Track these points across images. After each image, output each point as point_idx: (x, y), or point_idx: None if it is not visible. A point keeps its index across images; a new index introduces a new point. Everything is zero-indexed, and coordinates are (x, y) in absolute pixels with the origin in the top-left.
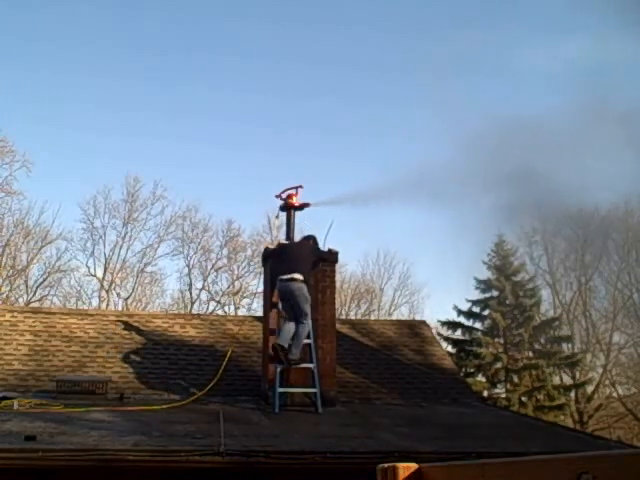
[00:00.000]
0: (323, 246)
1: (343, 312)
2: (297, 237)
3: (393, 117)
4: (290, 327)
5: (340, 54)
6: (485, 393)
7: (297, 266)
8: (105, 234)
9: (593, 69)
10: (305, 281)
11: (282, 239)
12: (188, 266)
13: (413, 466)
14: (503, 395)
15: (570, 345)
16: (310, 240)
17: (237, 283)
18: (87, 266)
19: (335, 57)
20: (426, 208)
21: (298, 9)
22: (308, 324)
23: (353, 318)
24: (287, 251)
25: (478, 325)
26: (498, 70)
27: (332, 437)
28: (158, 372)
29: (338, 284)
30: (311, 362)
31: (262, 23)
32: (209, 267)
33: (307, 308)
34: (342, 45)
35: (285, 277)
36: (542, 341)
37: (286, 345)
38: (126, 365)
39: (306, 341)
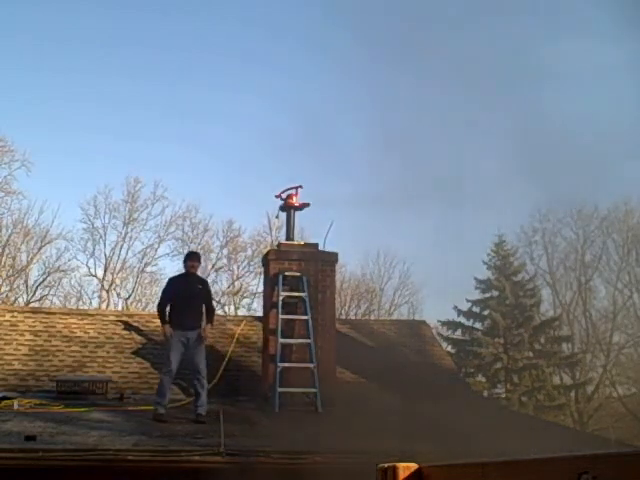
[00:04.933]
0: (323, 247)
1: (343, 312)
2: (297, 237)
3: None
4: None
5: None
6: (485, 393)
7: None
8: (105, 234)
9: None
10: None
11: (282, 239)
12: None
13: (413, 466)
14: (503, 395)
15: (570, 345)
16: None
17: (237, 283)
18: (87, 266)
19: (336, 58)
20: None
21: (300, 11)
22: (169, 373)
23: (353, 318)
24: None
25: (478, 325)
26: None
27: (332, 437)
28: (158, 372)
29: (338, 284)
30: (311, 362)
31: (262, 25)
32: (209, 267)
33: (165, 358)
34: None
35: None
36: (542, 341)
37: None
38: (126, 365)
39: (306, 341)
